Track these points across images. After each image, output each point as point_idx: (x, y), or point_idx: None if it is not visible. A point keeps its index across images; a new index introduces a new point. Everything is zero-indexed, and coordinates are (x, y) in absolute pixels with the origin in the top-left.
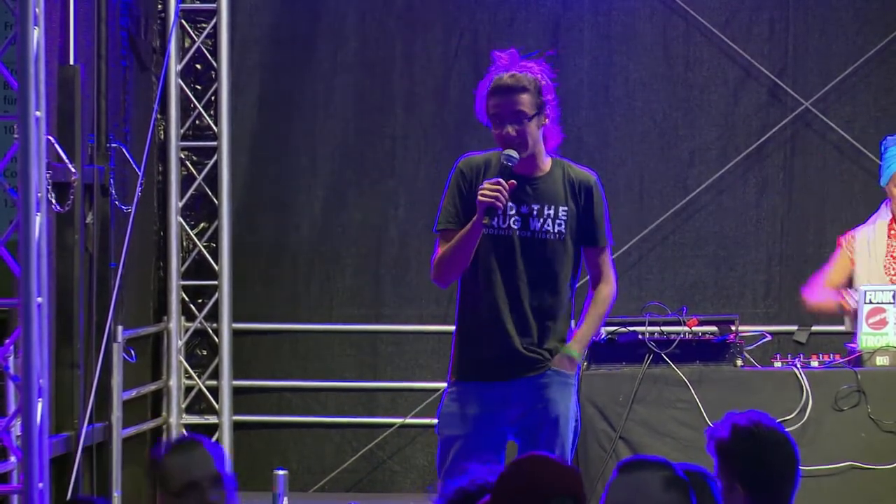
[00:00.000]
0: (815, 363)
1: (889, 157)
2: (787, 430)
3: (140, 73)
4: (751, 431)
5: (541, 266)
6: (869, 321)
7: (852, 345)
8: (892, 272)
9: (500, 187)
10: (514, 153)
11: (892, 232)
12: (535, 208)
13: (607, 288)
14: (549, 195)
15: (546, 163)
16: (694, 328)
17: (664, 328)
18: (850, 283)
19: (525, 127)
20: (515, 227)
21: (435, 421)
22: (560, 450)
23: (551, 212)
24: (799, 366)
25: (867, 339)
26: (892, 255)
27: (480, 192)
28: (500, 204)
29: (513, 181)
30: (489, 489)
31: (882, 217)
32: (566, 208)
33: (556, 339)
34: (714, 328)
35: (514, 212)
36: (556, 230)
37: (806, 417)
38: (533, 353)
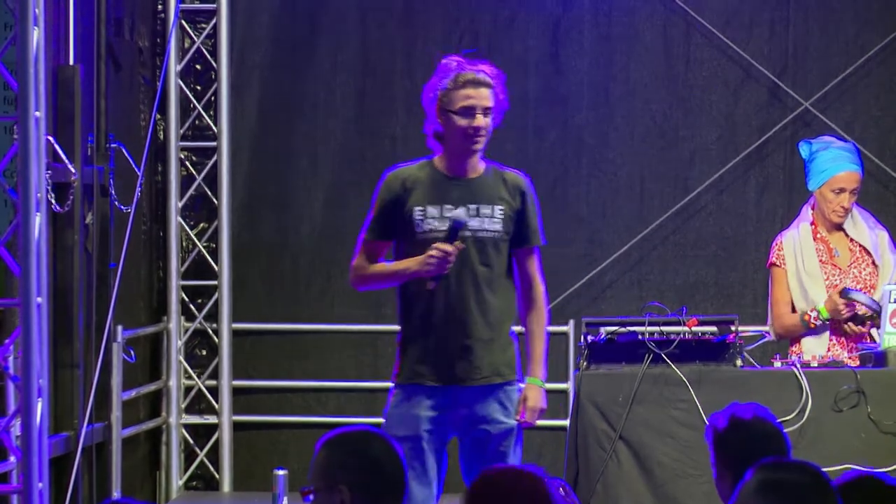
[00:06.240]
0: (814, 363)
1: (822, 161)
2: (784, 429)
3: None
4: (746, 423)
5: (482, 265)
6: (893, 320)
7: (872, 343)
8: (825, 276)
9: (446, 254)
10: (463, 216)
11: (818, 235)
12: (473, 208)
13: (541, 299)
14: (486, 195)
15: (481, 164)
16: (694, 328)
17: (664, 328)
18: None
19: (489, 122)
20: None
21: None
22: (510, 459)
23: (489, 210)
24: (799, 366)
25: (891, 338)
26: (821, 260)
27: (428, 256)
28: (446, 271)
29: (461, 244)
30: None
31: (804, 219)
32: (502, 207)
33: (501, 341)
34: (714, 328)
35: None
36: (494, 228)
37: (805, 418)
38: (479, 358)
